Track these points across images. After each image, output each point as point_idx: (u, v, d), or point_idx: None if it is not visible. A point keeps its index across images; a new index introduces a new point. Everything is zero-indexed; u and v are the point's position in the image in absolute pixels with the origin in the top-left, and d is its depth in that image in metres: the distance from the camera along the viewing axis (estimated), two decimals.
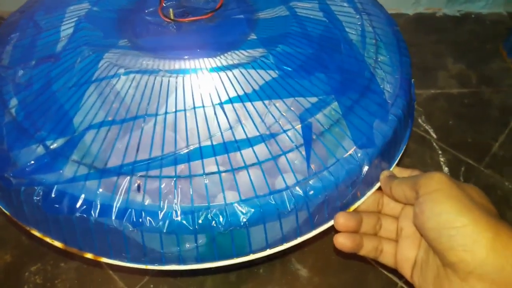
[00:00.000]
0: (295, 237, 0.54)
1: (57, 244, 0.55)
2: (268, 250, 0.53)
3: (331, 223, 0.55)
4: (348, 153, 0.55)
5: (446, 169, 0.99)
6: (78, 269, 0.84)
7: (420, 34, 1.33)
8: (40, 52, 0.64)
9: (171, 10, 0.68)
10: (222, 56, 0.62)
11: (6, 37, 0.69)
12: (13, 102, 0.60)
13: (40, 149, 0.55)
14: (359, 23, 0.70)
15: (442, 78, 1.21)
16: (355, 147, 0.56)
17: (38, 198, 0.52)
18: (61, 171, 0.53)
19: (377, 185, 0.58)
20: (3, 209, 0.59)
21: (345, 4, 0.73)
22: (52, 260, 0.85)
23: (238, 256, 0.53)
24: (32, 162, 0.54)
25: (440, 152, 1.02)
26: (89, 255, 0.54)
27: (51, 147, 0.55)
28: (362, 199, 0.57)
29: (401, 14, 1.38)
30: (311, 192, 0.52)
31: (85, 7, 0.70)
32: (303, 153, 0.55)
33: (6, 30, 0.71)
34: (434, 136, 1.05)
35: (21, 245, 0.88)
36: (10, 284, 0.83)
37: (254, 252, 0.53)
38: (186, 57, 0.61)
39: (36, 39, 0.66)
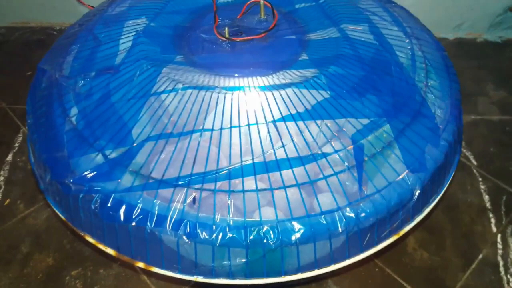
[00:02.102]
0: (344, 259, 0.54)
1: (110, 251, 0.57)
2: (316, 270, 0.54)
3: (380, 246, 0.55)
4: (400, 177, 0.55)
5: (486, 197, 0.97)
6: (117, 276, 0.86)
7: (460, 59, 1.31)
8: (100, 63, 0.67)
9: (226, 28, 0.70)
10: (274, 75, 0.63)
11: (66, 48, 0.72)
12: (74, 111, 0.63)
13: (99, 158, 0.57)
14: (409, 47, 0.71)
15: (482, 104, 1.19)
16: (407, 170, 0.56)
17: (96, 206, 0.54)
18: (119, 180, 0.55)
19: (427, 210, 0.58)
20: (59, 214, 0.61)
21: (394, 28, 0.74)
22: (92, 265, 0.87)
23: (286, 274, 0.53)
24: (91, 170, 0.56)
25: (480, 179, 1.01)
26: (140, 264, 0.55)
27: (110, 156, 0.57)
28: (412, 224, 0.57)
29: (441, 39, 1.38)
30: (363, 214, 0.53)
31: (142, 22, 0.72)
32: (355, 174, 0.55)
33: (66, 42, 0.75)
34: (475, 163, 1.04)
35: (63, 249, 0.90)
36: (51, 286, 0.85)
37: (302, 271, 0.53)
38: (239, 75, 0.63)
39: (96, 51, 0.69)
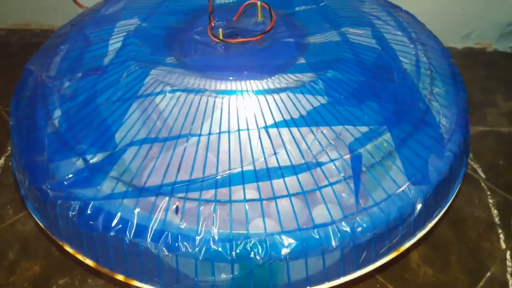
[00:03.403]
0: (338, 276, 0.50)
1: (89, 262, 0.53)
2: (308, 287, 0.50)
3: (378, 263, 0.51)
4: (401, 189, 0.51)
5: (495, 211, 0.93)
6: (105, 286, 0.82)
7: (469, 69, 1.27)
8: (87, 64, 0.64)
9: (220, 30, 0.67)
10: (269, 79, 0.60)
11: (55, 49, 0.69)
12: (57, 113, 0.60)
13: (79, 163, 0.54)
14: (413, 52, 0.67)
15: (491, 116, 1.15)
16: (408, 183, 0.52)
17: (73, 213, 0.51)
18: (98, 187, 0.51)
19: (430, 225, 0.54)
20: (38, 221, 0.57)
21: (399, 33, 0.70)
22: (80, 275, 0.84)
23: None
24: (71, 175, 0.53)
25: (489, 193, 0.96)
26: (120, 277, 0.52)
27: (91, 161, 0.54)
28: (413, 240, 0.53)
29: (449, 48, 1.34)
30: (359, 229, 0.49)
31: (134, 23, 0.70)
32: (351, 185, 0.51)
33: (55, 42, 0.72)
34: (483, 175, 0.99)
35: (51, 257, 0.87)
36: None
37: None
38: (232, 78, 0.60)
39: (85, 52, 0.66)
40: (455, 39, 1.34)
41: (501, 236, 0.89)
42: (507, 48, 1.33)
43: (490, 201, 0.95)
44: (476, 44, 1.34)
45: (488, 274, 0.83)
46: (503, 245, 0.87)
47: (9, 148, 1.07)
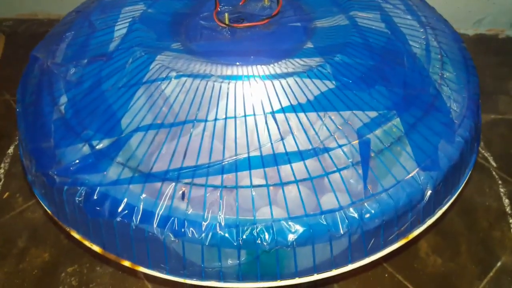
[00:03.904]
0: (346, 263, 0.50)
1: (96, 248, 0.53)
2: (315, 275, 0.49)
3: (386, 251, 0.50)
4: (410, 175, 0.50)
5: (506, 201, 0.91)
6: (113, 275, 0.83)
7: (480, 55, 1.25)
8: (93, 51, 0.64)
9: (226, 15, 0.66)
10: (276, 64, 0.59)
11: (61, 35, 0.69)
12: (63, 99, 0.59)
13: (85, 149, 0.54)
14: (424, 37, 0.66)
15: (503, 103, 1.13)
16: (418, 168, 0.51)
17: (80, 199, 0.51)
18: (105, 173, 0.51)
19: (440, 213, 0.53)
20: (45, 207, 0.57)
21: (408, 17, 0.69)
22: (89, 263, 0.84)
23: (282, 278, 0.49)
24: (77, 161, 0.53)
25: (500, 182, 0.94)
26: (126, 263, 0.52)
27: (97, 147, 0.53)
28: (423, 227, 0.52)
29: (460, 35, 1.31)
30: (367, 215, 0.48)
31: (140, 9, 0.69)
32: (360, 171, 0.50)
33: (61, 29, 0.72)
34: (494, 164, 0.98)
35: (60, 245, 0.87)
36: (46, 282, 0.82)
37: (300, 275, 0.49)
38: (239, 63, 0.59)
39: (90, 38, 0.66)
40: (467, 26, 1.31)
41: None
42: None
43: (501, 190, 0.93)
44: (488, 31, 1.31)
45: (499, 264, 0.82)
46: None
47: (18, 137, 1.07)
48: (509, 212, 0.89)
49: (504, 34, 1.31)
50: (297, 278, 0.49)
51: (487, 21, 1.29)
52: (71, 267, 0.84)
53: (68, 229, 0.55)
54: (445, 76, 0.61)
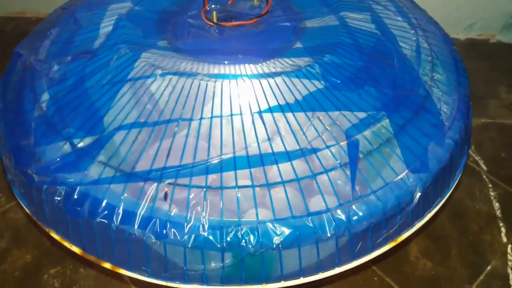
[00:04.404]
0: (333, 267, 0.48)
1: (75, 249, 0.52)
2: (301, 278, 0.48)
3: (374, 254, 0.49)
4: (399, 177, 0.49)
5: (497, 204, 0.91)
6: (97, 277, 0.80)
7: (472, 60, 1.25)
8: (77, 48, 0.62)
9: (214, 13, 0.65)
10: (264, 63, 0.58)
11: (45, 32, 0.68)
12: (45, 96, 0.58)
13: (66, 147, 0.52)
14: (414, 38, 0.65)
15: (494, 107, 1.13)
16: (407, 170, 0.50)
17: (59, 199, 0.49)
18: (85, 172, 0.50)
19: (429, 215, 0.52)
20: (24, 207, 0.56)
21: (399, 18, 0.68)
22: (72, 264, 0.82)
23: (267, 281, 0.48)
24: (57, 160, 0.51)
25: (490, 185, 0.94)
26: (107, 265, 0.50)
27: (78, 145, 0.52)
28: (412, 230, 0.51)
29: (451, 39, 1.32)
30: (355, 218, 0.47)
31: (126, 6, 0.68)
32: (348, 173, 0.49)
33: (46, 26, 0.70)
34: (484, 168, 0.97)
35: (42, 246, 0.85)
36: (28, 284, 0.80)
37: (285, 279, 0.48)
38: (226, 62, 0.58)
39: (75, 35, 0.64)
40: (458, 30, 1.31)
41: (502, 229, 0.87)
42: (510, 39, 1.31)
43: (492, 194, 0.93)
44: (479, 35, 1.32)
45: (489, 267, 0.81)
46: (504, 239, 0.85)
47: None
48: (499, 216, 0.89)
49: (495, 39, 1.31)
50: (282, 282, 0.48)
51: (478, 26, 1.30)
52: (54, 269, 0.82)
53: (47, 230, 0.53)
54: (435, 77, 0.61)
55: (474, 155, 1.00)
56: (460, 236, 0.86)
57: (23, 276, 0.81)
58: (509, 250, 0.83)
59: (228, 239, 0.45)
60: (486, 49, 1.30)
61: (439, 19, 0.79)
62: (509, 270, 0.80)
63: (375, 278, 0.80)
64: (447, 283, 0.79)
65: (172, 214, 0.46)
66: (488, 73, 1.21)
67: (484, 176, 0.96)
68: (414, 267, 0.81)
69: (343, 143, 0.51)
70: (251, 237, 0.45)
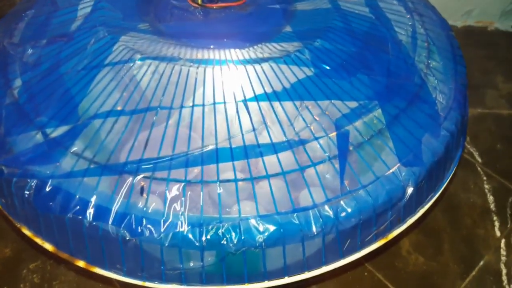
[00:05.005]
0: (320, 266, 0.46)
1: (48, 246, 0.49)
2: (286, 277, 0.45)
3: (364, 252, 0.47)
4: (391, 171, 0.47)
5: (491, 198, 0.88)
6: (79, 272, 0.78)
7: (468, 48, 1.22)
8: (53, 30, 0.59)
9: None
10: (251, 48, 0.54)
11: (20, 14, 0.64)
12: (17, 82, 0.54)
13: (38, 137, 0.49)
14: (410, 23, 0.62)
15: (490, 97, 1.10)
16: (399, 164, 0.47)
17: (29, 192, 0.46)
18: (58, 164, 0.46)
19: (421, 211, 0.49)
20: None
21: (394, 2, 0.65)
22: (53, 259, 0.79)
23: (250, 281, 0.45)
24: (28, 151, 0.48)
25: (485, 178, 0.92)
26: (81, 263, 0.47)
27: (51, 135, 0.48)
28: (403, 227, 0.48)
29: None
30: (343, 214, 0.44)
31: None
32: (337, 166, 0.46)
33: (22, 7, 0.66)
34: (479, 160, 0.95)
35: (22, 240, 0.82)
36: (5, 279, 0.78)
37: (269, 278, 0.45)
38: (211, 46, 0.54)
39: (51, 17, 0.61)
40: (455, 17, 1.28)
41: (496, 223, 0.85)
42: (508, 27, 1.28)
43: (486, 186, 0.91)
44: (476, 23, 1.28)
45: (482, 262, 0.79)
46: (498, 233, 0.83)
47: None
48: (493, 209, 0.87)
49: (493, 27, 1.28)
50: (266, 282, 0.45)
51: (476, 13, 1.26)
52: (34, 263, 0.79)
53: (18, 226, 0.50)
54: (431, 65, 0.58)
55: (469, 146, 0.97)
56: (453, 230, 0.84)
57: (1, 271, 0.79)
58: (502, 245, 0.81)
59: (208, 237, 0.43)
60: (484, 37, 1.27)
61: (436, 5, 0.76)
62: (502, 266, 0.79)
63: (365, 273, 0.78)
64: (439, 278, 0.77)
65: (148, 210, 0.43)
66: (485, 62, 1.18)
67: (479, 168, 0.93)
68: (405, 262, 0.79)
69: (333, 135, 0.48)
70: (233, 234, 0.43)
